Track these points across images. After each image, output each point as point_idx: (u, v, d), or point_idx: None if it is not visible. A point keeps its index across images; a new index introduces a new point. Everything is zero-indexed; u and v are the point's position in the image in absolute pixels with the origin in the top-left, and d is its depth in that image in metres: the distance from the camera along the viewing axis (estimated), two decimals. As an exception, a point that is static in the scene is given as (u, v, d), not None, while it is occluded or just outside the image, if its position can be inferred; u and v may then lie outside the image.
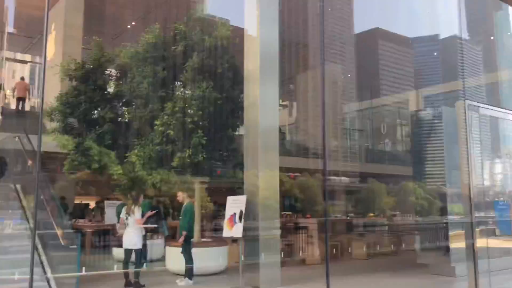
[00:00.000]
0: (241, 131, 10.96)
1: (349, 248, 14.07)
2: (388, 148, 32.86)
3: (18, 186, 9.40)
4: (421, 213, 22.27)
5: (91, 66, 12.61)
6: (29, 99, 18.67)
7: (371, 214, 21.27)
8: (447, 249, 11.34)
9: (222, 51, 10.64)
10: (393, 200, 22.65)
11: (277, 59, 9.76)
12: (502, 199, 9.88)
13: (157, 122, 10.29)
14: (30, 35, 20.39)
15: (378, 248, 14.07)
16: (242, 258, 9.03)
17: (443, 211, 13.81)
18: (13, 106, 19.44)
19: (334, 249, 13.06)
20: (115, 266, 9.17)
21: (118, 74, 12.85)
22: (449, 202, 10.51)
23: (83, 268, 6.54)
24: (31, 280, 4.25)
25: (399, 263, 13.14)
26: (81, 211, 17.83)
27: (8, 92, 20.28)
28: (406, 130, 32.85)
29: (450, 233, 10.57)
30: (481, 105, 8.42)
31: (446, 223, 12.40)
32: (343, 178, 24.12)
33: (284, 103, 29.70)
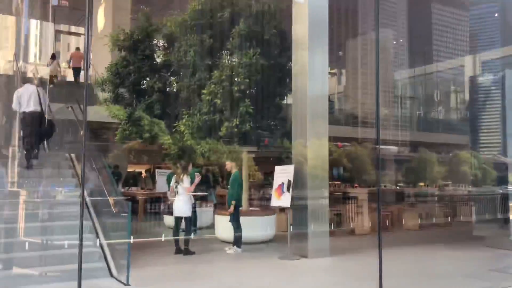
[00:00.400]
0: (289, 99, 10.75)
1: (402, 219, 13.77)
2: (441, 116, 31.73)
3: (72, 155, 9.67)
4: (475, 183, 21.50)
5: (139, 37, 12.67)
6: (83, 69, 19.20)
7: (422, 184, 20.75)
8: (504, 221, 10.85)
9: (269, 17, 10.35)
10: (444, 169, 21.98)
11: (327, 24, 9.39)
12: None
13: (204, 91, 10.23)
14: (82, 8, 20.77)
15: (430, 219, 13.68)
16: (291, 229, 8.98)
17: (500, 181, 13.20)
18: (70, 77, 20.09)
19: (385, 220, 12.81)
20: (163, 234, 9.34)
21: (166, 44, 12.87)
22: (510, 172, 9.99)
23: (131, 237, 6.67)
24: (81, 246, 4.34)
25: (453, 234, 12.74)
26: (134, 179, 18.35)
27: (64, 64, 20.90)
28: (460, 97, 31.54)
29: (511, 204, 10.07)
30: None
31: (503, 193, 11.84)
32: (391, 147, 23.57)
33: (333, 71, 29.07)
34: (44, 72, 18.34)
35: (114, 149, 17.58)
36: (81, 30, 24.74)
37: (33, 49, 27.16)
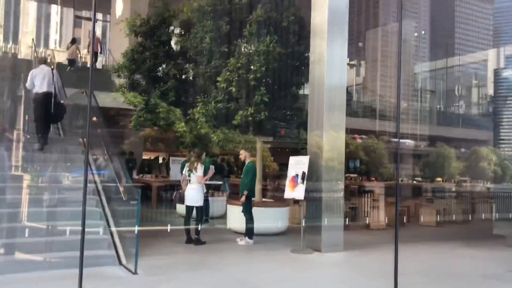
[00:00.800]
0: (306, 89, 10.50)
1: (419, 214, 13.49)
2: (461, 111, 31.16)
3: (85, 140, 9.60)
4: (495, 180, 21.10)
5: (156, 22, 12.51)
6: (101, 53, 19.43)
7: (439, 179, 20.43)
8: (526, 220, 10.52)
9: (287, 3, 10.07)
10: (463, 165, 21.62)
11: (347, 12, 9.11)
12: None
13: (219, 79, 10.04)
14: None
15: (448, 215, 13.37)
16: (303, 223, 8.77)
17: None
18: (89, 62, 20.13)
19: (402, 215, 12.53)
20: (168, 225, 9.21)
21: (182, 31, 12.68)
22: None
23: (136, 225, 6.55)
24: (83, 232, 4.24)
25: (471, 232, 12.42)
26: (149, 167, 18.35)
27: (85, 51, 21.01)
28: (482, 92, 30.94)
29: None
30: None
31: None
32: (409, 141, 23.25)
33: (352, 62, 28.63)
34: (63, 57, 18.43)
35: (130, 136, 17.58)
36: (100, 16, 24.76)
37: (53, 35, 27.30)
